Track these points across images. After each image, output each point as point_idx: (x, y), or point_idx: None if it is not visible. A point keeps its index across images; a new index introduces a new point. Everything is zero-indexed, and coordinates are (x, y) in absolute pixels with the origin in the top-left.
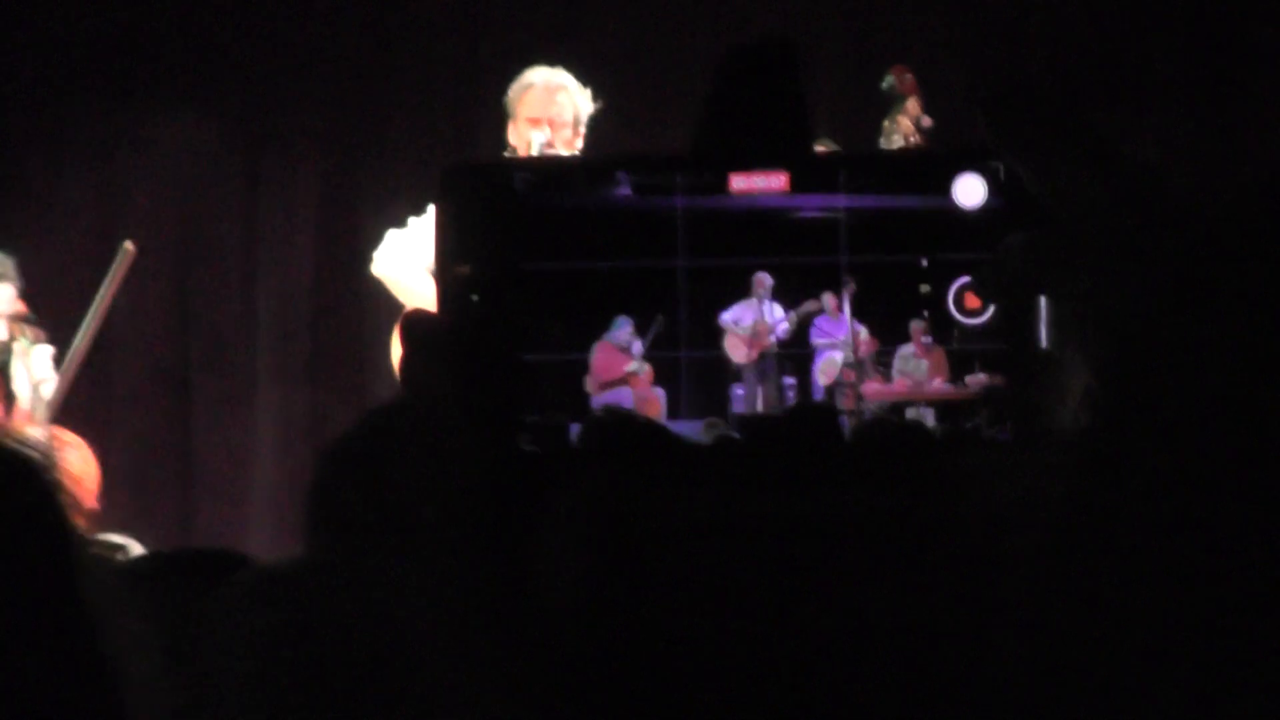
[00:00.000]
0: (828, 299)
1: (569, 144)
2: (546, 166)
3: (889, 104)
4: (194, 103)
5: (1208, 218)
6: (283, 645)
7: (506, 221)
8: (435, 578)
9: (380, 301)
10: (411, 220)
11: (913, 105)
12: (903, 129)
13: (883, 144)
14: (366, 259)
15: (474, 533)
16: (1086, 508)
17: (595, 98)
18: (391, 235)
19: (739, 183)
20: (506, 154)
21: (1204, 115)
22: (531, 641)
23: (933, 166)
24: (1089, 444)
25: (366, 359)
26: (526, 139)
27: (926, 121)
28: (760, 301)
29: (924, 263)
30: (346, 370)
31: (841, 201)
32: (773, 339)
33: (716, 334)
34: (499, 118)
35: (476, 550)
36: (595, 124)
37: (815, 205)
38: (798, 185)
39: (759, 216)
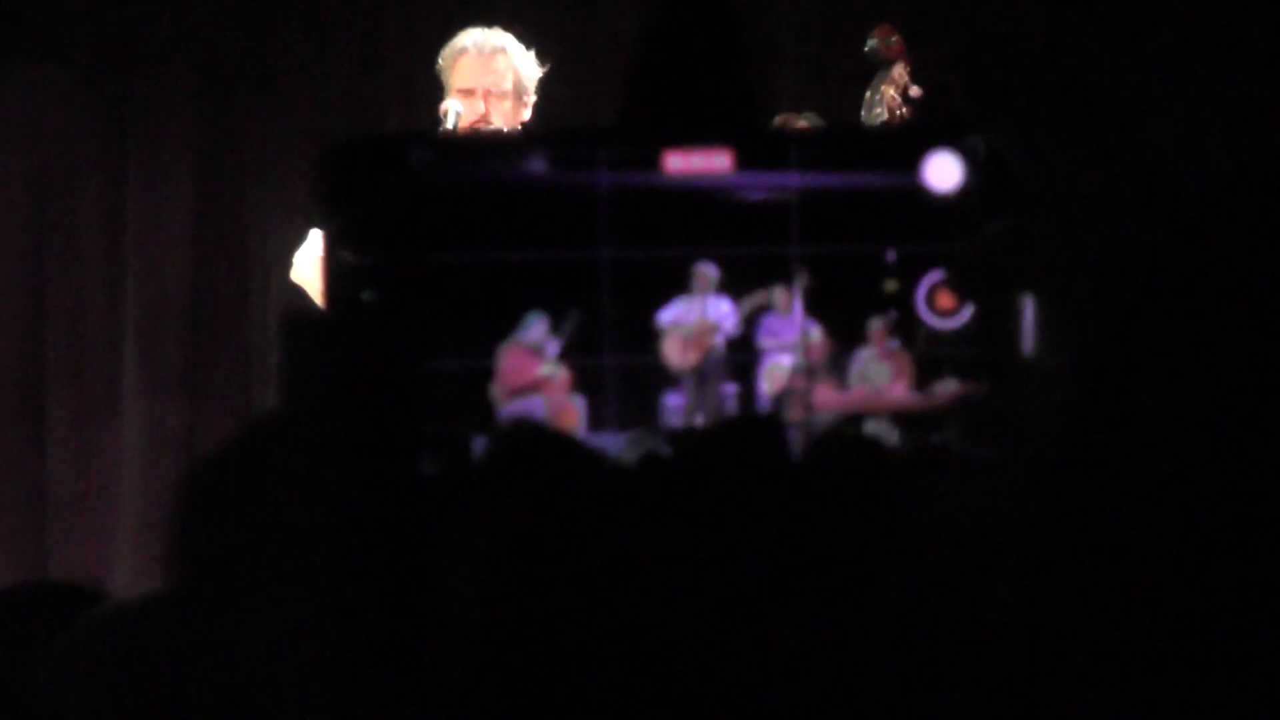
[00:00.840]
0: (777, 294)
1: (511, 116)
2: (447, 142)
3: (872, 71)
4: (48, 59)
5: (1207, 200)
6: (134, 693)
7: (402, 206)
8: (317, 618)
9: (269, 300)
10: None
11: (900, 72)
12: (887, 100)
13: (864, 117)
14: (251, 249)
15: (363, 567)
16: (1073, 535)
17: (542, 60)
18: (316, 236)
19: (675, 161)
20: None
21: (1205, 87)
22: (428, 690)
23: (902, 142)
24: (1078, 461)
25: (251, 367)
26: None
27: (915, 91)
28: (702, 297)
29: (890, 254)
30: (227, 380)
31: (794, 181)
32: (718, 339)
33: (647, 333)
34: (410, 82)
35: (366, 587)
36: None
37: (763, 186)
38: (744, 163)
39: (697, 199)
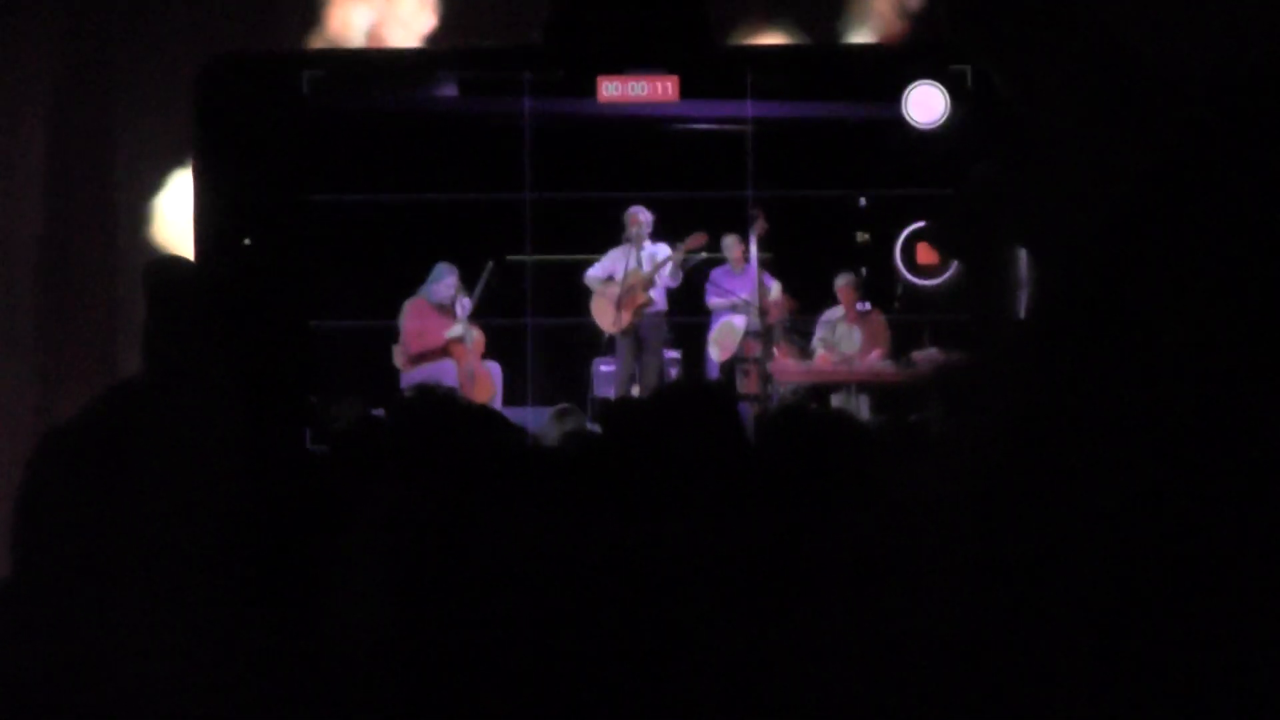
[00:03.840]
0: (729, 244)
1: (410, 23)
2: (343, 61)
3: None
4: None
5: (1211, 130)
6: None
7: (289, 137)
8: (187, 616)
9: (139, 245)
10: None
11: None
12: (879, 10)
13: (848, 34)
14: (119, 185)
15: (243, 557)
16: (1063, 523)
17: None
18: (185, 177)
19: (610, 88)
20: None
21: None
22: (315, 698)
23: (878, 70)
24: (1071, 441)
25: (118, 320)
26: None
27: (914, 1)
28: (636, 245)
29: (862, 200)
30: (90, 334)
31: (749, 111)
32: (653, 294)
33: (575, 290)
34: None
35: (245, 584)
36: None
37: (713, 117)
38: (691, 91)
39: (636, 132)
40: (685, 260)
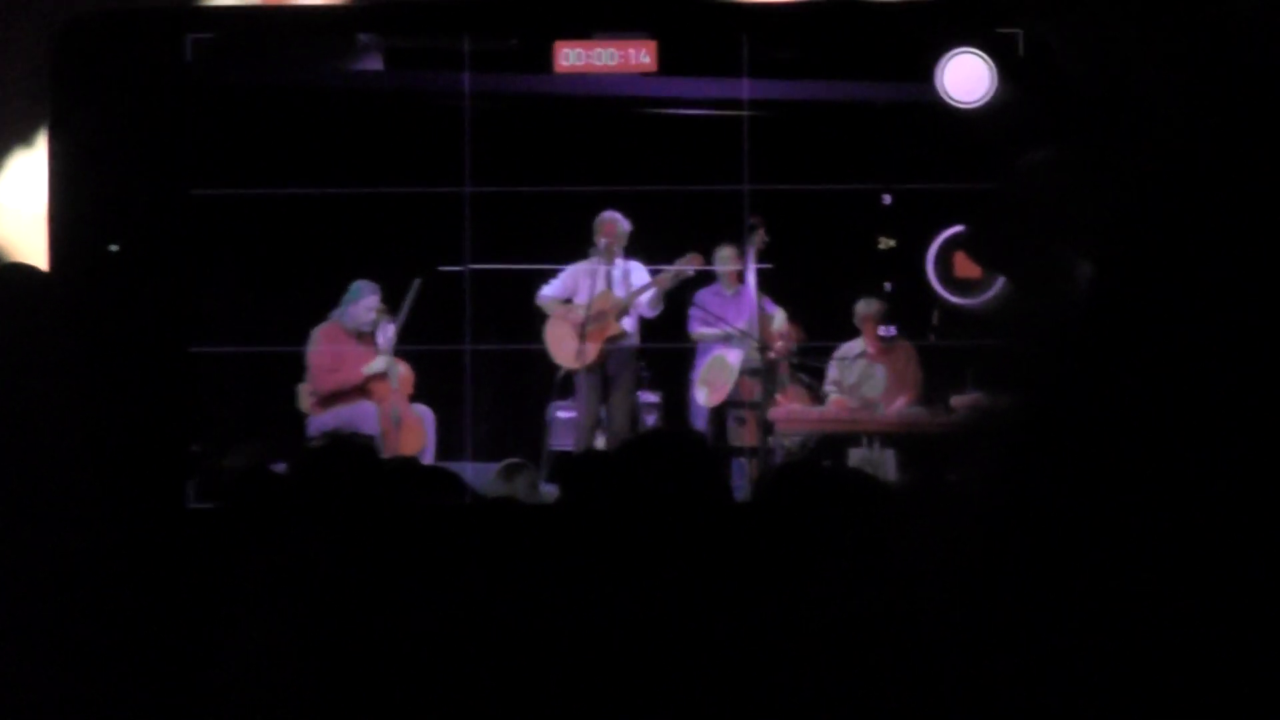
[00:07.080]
0: (726, 255)
1: None
2: (236, 21)
3: None
4: None
5: None
6: None
7: (169, 116)
8: (41, 671)
9: None
10: (45, 134)
11: None
12: None
13: None
14: None
15: (106, 629)
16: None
17: None
18: (18, 161)
19: (570, 56)
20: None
21: None
22: None
23: (907, 35)
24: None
25: None
26: None
27: None
28: (607, 260)
29: (886, 198)
30: None
31: (745, 90)
32: (626, 324)
33: (526, 314)
34: None
35: (113, 654)
36: None
37: (700, 96)
38: (671, 62)
39: (603, 114)
40: (670, 286)
